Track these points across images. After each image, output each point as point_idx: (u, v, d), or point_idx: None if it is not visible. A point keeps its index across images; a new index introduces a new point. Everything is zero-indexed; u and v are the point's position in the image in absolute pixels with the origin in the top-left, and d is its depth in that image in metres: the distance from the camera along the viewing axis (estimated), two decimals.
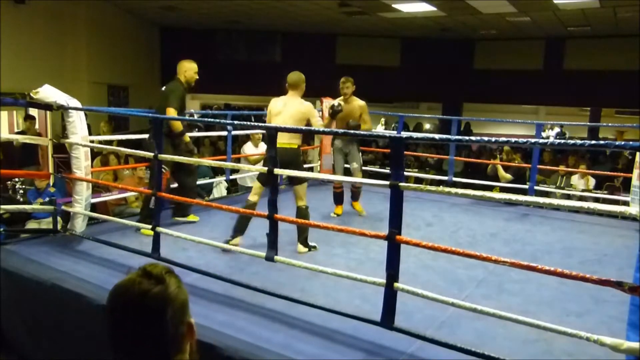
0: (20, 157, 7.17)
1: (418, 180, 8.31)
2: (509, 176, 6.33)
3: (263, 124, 3.83)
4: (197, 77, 4.52)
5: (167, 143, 4.07)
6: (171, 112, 4.23)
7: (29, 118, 7.88)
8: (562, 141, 2.20)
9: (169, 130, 4.22)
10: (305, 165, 7.61)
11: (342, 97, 5.00)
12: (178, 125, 4.31)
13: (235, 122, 5.81)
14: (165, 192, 4.01)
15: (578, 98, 12.90)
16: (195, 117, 5.76)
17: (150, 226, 3.49)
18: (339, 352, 2.43)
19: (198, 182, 6.61)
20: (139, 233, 4.11)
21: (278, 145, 3.19)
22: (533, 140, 2.34)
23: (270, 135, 3.10)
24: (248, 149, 6.85)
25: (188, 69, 4.44)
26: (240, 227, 3.83)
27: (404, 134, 3.88)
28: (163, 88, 4.50)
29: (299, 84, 4.03)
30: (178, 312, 1.02)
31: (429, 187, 3.08)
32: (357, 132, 4.38)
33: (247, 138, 7.20)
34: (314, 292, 3.01)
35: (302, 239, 3.86)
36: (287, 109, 3.96)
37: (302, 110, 3.97)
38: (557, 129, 16.74)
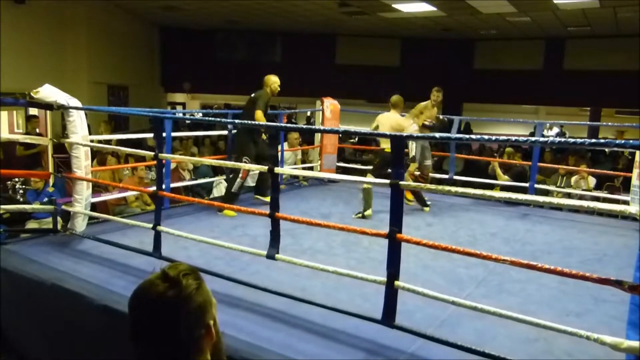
0: (25, 161, 7.20)
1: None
2: (506, 177, 6.28)
3: (263, 123, 3.84)
4: (279, 89, 5.34)
5: (249, 138, 5.13)
6: (259, 114, 4.99)
7: (32, 118, 7.85)
8: (562, 140, 2.20)
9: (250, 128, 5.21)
10: (306, 165, 7.63)
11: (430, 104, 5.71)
12: (260, 119, 5.01)
13: (236, 121, 5.87)
14: (245, 180, 5.12)
15: (578, 98, 12.89)
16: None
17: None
18: (340, 351, 2.43)
19: (198, 182, 6.69)
20: (221, 214, 4.85)
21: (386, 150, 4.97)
22: (533, 139, 2.35)
23: (272, 136, 3.11)
24: None
25: (273, 82, 5.28)
26: (368, 201, 5.04)
27: (404, 134, 3.89)
28: (252, 95, 5.24)
29: (398, 104, 5.34)
30: (193, 315, 1.02)
31: (429, 186, 3.08)
32: (357, 132, 4.41)
33: None
34: (314, 291, 3.01)
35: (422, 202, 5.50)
36: (388, 121, 5.25)
37: (399, 123, 5.26)
38: (556, 129, 16.72)
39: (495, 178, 6.50)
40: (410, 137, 3.83)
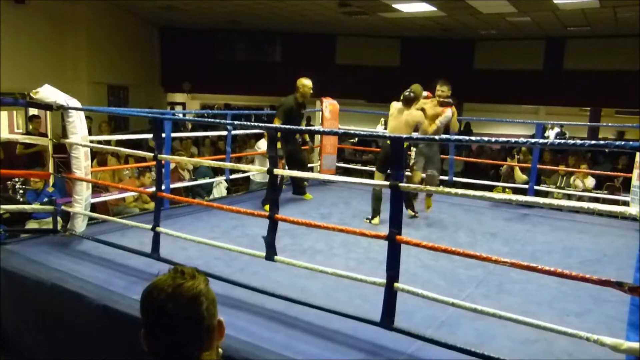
0: (26, 161, 7.20)
1: None
2: (525, 177, 6.28)
3: (262, 124, 3.83)
4: (312, 92, 5.36)
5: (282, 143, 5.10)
6: (276, 122, 5.11)
7: (34, 118, 7.85)
8: (562, 141, 2.20)
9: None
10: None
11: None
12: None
13: (236, 122, 5.89)
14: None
15: (578, 98, 12.88)
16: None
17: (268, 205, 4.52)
18: (339, 352, 2.43)
19: (198, 182, 6.72)
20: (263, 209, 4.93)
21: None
22: (533, 140, 2.34)
23: (271, 136, 3.11)
24: (262, 144, 6.85)
25: (303, 86, 5.31)
26: (377, 208, 4.69)
27: (405, 135, 3.88)
28: (282, 99, 5.33)
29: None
30: (211, 305, 1.08)
31: (429, 187, 3.08)
32: (356, 133, 4.40)
33: (260, 134, 7.22)
34: (313, 292, 3.00)
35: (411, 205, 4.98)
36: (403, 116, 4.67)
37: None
38: (557, 129, 16.72)
39: (507, 178, 6.50)
40: (411, 139, 3.82)
